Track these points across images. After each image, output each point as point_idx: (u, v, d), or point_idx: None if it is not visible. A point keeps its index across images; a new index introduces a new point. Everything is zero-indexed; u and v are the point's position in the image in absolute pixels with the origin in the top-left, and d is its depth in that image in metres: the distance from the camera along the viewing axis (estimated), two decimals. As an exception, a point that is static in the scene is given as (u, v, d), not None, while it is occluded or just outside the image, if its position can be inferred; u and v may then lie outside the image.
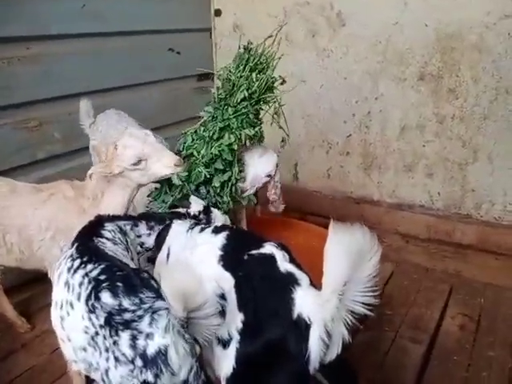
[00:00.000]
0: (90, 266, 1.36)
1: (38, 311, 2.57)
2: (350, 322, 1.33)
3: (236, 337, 1.42)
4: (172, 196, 2.18)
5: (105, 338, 1.24)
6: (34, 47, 2.68)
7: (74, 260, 1.41)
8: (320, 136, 3.68)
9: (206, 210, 1.97)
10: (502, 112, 2.97)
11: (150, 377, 1.20)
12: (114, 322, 1.23)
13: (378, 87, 3.35)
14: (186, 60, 3.65)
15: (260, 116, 2.33)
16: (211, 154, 2.17)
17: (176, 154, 2.07)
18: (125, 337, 1.21)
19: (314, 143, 3.72)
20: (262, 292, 1.43)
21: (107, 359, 1.24)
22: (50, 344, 2.26)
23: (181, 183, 2.14)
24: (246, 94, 2.18)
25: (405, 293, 2.83)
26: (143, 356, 1.20)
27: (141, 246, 1.80)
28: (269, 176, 2.37)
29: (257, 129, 2.24)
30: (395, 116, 3.35)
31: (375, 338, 2.41)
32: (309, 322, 1.35)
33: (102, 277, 1.32)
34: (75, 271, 1.37)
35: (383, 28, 3.22)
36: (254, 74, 2.18)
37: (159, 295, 1.24)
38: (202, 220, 1.92)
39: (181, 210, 1.97)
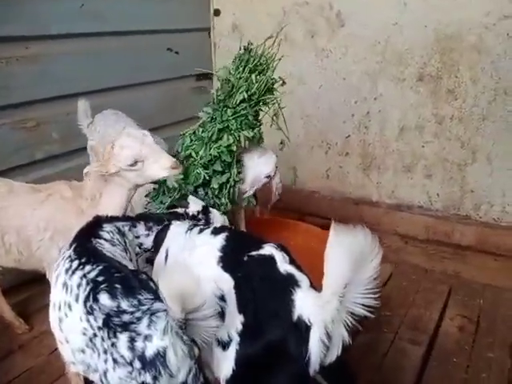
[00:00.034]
0: (88, 268, 1.35)
1: (36, 312, 2.55)
2: (350, 324, 1.32)
3: (236, 338, 1.41)
4: (170, 197, 2.17)
5: (103, 339, 1.23)
6: (32, 47, 2.67)
7: (72, 261, 1.40)
8: (319, 136, 3.67)
9: (205, 210, 1.96)
10: (501, 113, 2.97)
11: (148, 379, 1.19)
12: (112, 324, 1.22)
13: (377, 88, 3.35)
14: (185, 60, 3.64)
15: (259, 117, 2.32)
16: (210, 155, 2.17)
17: (174, 155, 2.06)
18: (123, 338, 1.21)
19: (313, 143, 3.71)
20: (262, 293, 1.42)
21: (105, 361, 1.23)
22: (48, 345, 2.24)
23: (176, 186, 2.13)
24: (246, 96, 2.17)
25: (404, 294, 2.82)
26: (142, 358, 1.19)
27: (139, 247, 1.79)
28: (268, 177, 2.36)
29: (256, 130, 2.24)
30: (394, 116, 3.35)
31: (374, 339, 2.40)
32: (309, 324, 1.34)
33: (100, 278, 1.31)
34: (73, 272, 1.36)
35: (382, 28, 3.22)
36: (253, 76, 2.18)
37: (157, 297, 1.23)
38: (200, 220, 1.91)
39: (179, 210, 1.96)
